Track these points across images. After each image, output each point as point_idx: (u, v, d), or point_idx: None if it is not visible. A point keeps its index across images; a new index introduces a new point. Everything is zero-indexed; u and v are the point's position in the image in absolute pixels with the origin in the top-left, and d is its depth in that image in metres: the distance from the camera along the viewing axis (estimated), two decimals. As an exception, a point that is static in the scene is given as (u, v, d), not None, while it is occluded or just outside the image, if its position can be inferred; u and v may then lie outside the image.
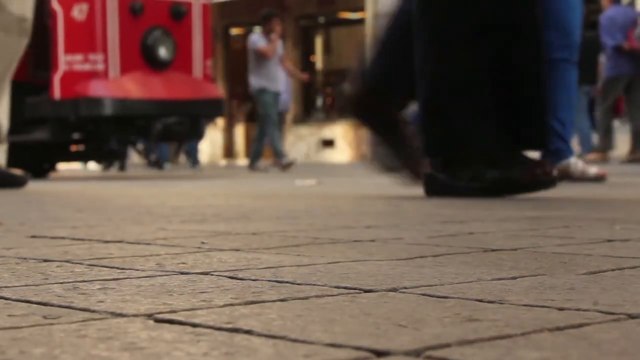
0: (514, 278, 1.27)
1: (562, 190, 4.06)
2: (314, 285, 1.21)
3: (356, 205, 3.25)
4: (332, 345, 0.82)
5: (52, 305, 1.07)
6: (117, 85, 9.14)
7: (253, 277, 1.30)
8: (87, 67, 9.15)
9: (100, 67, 9.14)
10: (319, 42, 23.01)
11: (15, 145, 8.75)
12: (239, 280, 1.27)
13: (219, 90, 10.29)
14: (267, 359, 0.77)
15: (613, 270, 1.35)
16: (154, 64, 9.36)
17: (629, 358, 0.76)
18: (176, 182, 7.55)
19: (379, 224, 2.33)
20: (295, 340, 0.84)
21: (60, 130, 9.27)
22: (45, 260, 1.55)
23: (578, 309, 1.00)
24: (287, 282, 1.24)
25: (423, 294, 1.12)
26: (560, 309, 1.00)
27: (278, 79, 12.32)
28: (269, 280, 1.26)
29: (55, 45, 9.12)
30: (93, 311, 1.02)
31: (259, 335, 0.87)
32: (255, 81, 12.11)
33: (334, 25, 22.85)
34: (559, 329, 0.89)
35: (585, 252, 1.61)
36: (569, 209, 2.88)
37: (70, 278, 1.32)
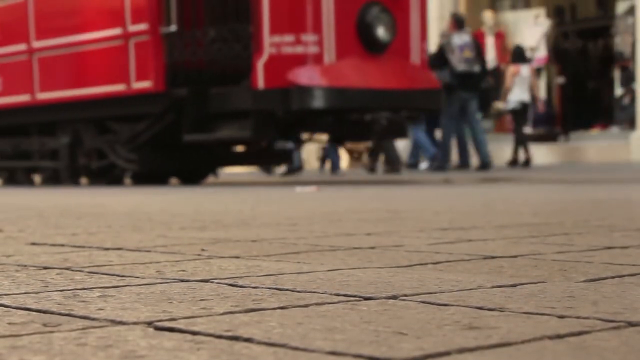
0: (514, 285, 1.27)
1: (561, 197, 4.06)
2: (314, 292, 1.21)
3: (356, 211, 3.25)
4: (333, 353, 0.82)
5: (52, 312, 1.07)
6: (333, 72, 7.37)
7: (253, 285, 1.30)
8: (298, 49, 7.33)
9: (314, 50, 7.32)
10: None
11: (168, 146, 8.09)
12: (239, 288, 1.27)
13: (436, 79, 8.50)
14: (268, 367, 0.77)
15: (613, 277, 1.35)
16: (370, 47, 7.52)
17: (629, 366, 0.76)
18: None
19: (379, 230, 2.32)
20: (295, 349, 0.84)
21: (262, 127, 7.42)
22: (45, 268, 1.55)
23: (578, 317, 1.00)
24: (287, 290, 1.24)
25: (423, 302, 1.12)
26: (561, 317, 1.00)
27: None
28: (269, 288, 1.26)
29: (259, 23, 7.34)
30: (93, 319, 1.02)
31: (259, 343, 0.87)
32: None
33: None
34: (559, 336, 0.89)
35: (585, 259, 1.60)
36: (569, 216, 2.88)
37: (70, 285, 1.31)
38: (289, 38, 7.34)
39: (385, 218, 2.87)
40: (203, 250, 1.85)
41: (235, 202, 4.26)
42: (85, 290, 1.26)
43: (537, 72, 15.07)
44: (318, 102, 7.20)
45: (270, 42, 7.32)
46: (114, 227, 2.56)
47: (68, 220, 2.93)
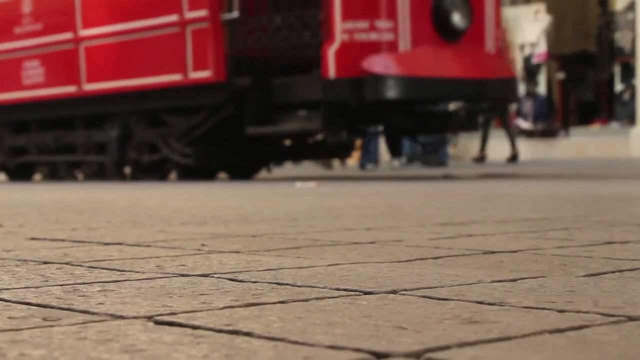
0: (514, 280, 1.27)
1: (560, 191, 4.06)
2: (314, 287, 1.21)
3: (356, 207, 3.25)
4: (333, 347, 0.82)
5: (52, 307, 1.07)
6: (409, 60, 6.98)
7: (253, 279, 1.30)
8: (372, 36, 6.96)
9: (388, 37, 6.95)
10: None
11: (226, 139, 7.76)
12: (239, 283, 1.27)
13: (511, 68, 8.04)
14: (267, 361, 0.77)
15: (613, 272, 1.35)
16: (446, 34, 7.15)
17: (629, 360, 0.76)
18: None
19: (379, 226, 2.32)
20: (295, 342, 0.84)
21: (333, 119, 7.00)
22: (45, 263, 1.55)
23: (578, 311, 1.00)
24: (287, 284, 1.24)
25: (423, 296, 1.12)
26: (561, 311, 1.00)
27: None
28: (269, 283, 1.26)
29: (330, 9, 6.96)
30: (93, 313, 1.02)
31: (259, 337, 0.87)
32: None
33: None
34: (559, 331, 0.89)
35: (584, 254, 1.60)
36: (569, 211, 2.88)
37: (70, 280, 1.31)
38: (362, 24, 6.95)
39: (385, 213, 2.87)
40: (203, 245, 1.85)
41: (235, 198, 4.26)
42: (85, 285, 1.26)
43: (537, 67, 15.07)
44: (393, 92, 6.81)
45: (343, 29, 6.93)
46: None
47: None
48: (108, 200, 4.00)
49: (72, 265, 1.51)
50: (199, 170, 8.22)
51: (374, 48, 6.92)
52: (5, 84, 9.39)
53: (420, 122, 7.65)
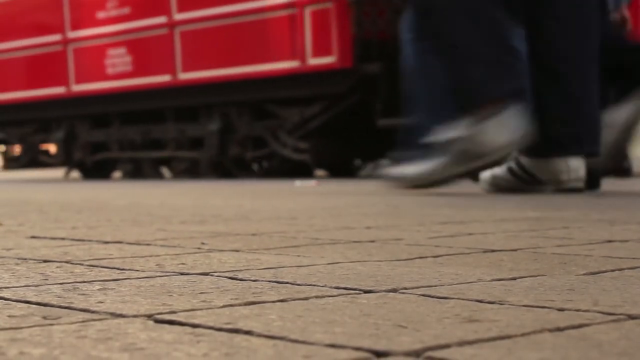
0: (513, 279, 1.27)
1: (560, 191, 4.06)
2: (314, 286, 1.21)
3: (356, 206, 3.25)
4: (332, 346, 0.82)
5: (51, 305, 1.07)
6: None
7: (253, 278, 1.30)
8: None
9: None
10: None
11: None
12: (238, 281, 1.27)
13: None
14: (267, 359, 0.77)
15: (613, 271, 1.35)
16: None
17: (629, 359, 0.76)
18: None
19: (379, 224, 2.32)
20: (295, 341, 0.84)
21: None
22: (45, 261, 1.55)
23: (578, 310, 1.00)
24: (287, 283, 1.24)
25: (423, 295, 1.12)
26: (560, 310, 1.00)
27: None
28: (269, 281, 1.26)
29: None
30: (93, 312, 1.02)
31: (259, 335, 0.87)
32: None
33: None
34: (559, 329, 0.89)
35: (584, 252, 1.60)
36: (569, 209, 2.88)
37: (70, 279, 1.32)
38: None
39: (385, 212, 2.87)
40: (203, 243, 1.85)
41: (235, 196, 4.26)
42: (85, 283, 1.26)
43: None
44: None
45: None
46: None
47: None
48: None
49: (72, 263, 1.51)
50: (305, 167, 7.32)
51: None
52: (84, 74, 8.50)
53: None
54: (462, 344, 0.82)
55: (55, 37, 8.84)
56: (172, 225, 2.39)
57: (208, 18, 7.63)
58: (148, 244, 1.85)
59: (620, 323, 0.92)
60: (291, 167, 7.65)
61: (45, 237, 2.04)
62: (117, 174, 9.15)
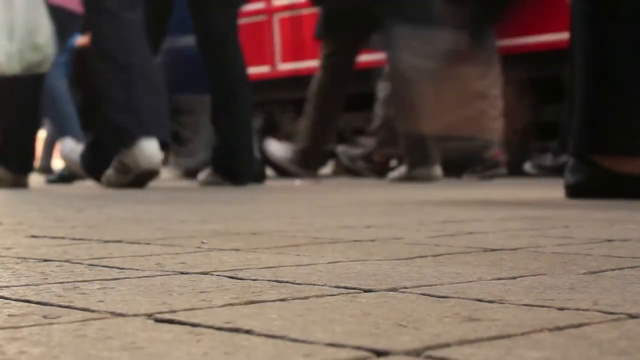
0: (513, 278, 1.27)
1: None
2: (314, 285, 1.21)
3: (356, 205, 3.25)
4: (332, 345, 0.82)
5: (51, 304, 1.07)
6: None
7: (253, 277, 1.30)
8: None
9: None
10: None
11: None
12: (238, 280, 1.27)
13: None
14: (267, 358, 0.77)
15: (613, 270, 1.35)
16: None
17: (628, 358, 0.76)
18: None
19: (379, 223, 2.32)
20: (295, 340, 0.84)
21: None
22: (45, 260, 1.55)
23: (578, 309, 1.00)
24: (287, 282, 1.24)
25: (423, 294, 1.12)
26: (560, 309, 1.00)
27: None
28: (269, 280, 1.26)
29: None
30: (93, 311, 1.02)
31: (259, 334, 0.87)
32: None
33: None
34: (559, 328, 0.89)
35: (585, 252, 1.60)
36: (569, 209, 2.88)
37: (69, 278, 1.31)
38: None
39: (385, 211, 2.87)
40: (203, 242, 1.85)
41: (235, 195, 4.26)
42: (85, 283, 1.26)
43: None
44: None
45: None
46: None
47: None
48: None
49: (72, 263, 1.51)
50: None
51: None
52: None
53: None
54: (462, 342, 0.82)
55: None
56: (171, 224, 2.39)
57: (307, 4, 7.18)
58: (148, 243, 1.85)
59: (621, 322, 0.92)
60: None
61: (45, 236, 2.04)
62: None
